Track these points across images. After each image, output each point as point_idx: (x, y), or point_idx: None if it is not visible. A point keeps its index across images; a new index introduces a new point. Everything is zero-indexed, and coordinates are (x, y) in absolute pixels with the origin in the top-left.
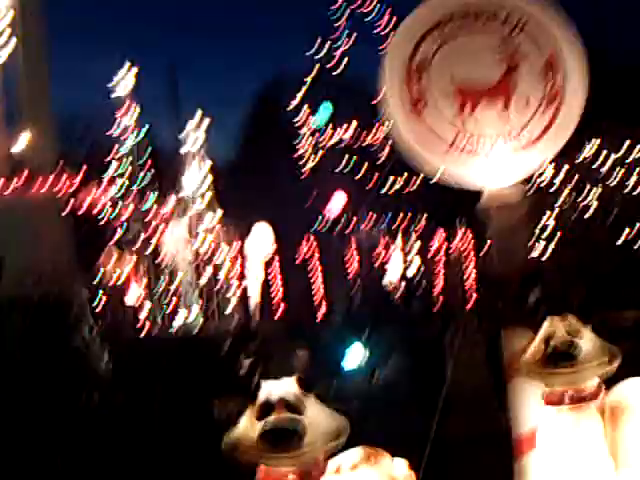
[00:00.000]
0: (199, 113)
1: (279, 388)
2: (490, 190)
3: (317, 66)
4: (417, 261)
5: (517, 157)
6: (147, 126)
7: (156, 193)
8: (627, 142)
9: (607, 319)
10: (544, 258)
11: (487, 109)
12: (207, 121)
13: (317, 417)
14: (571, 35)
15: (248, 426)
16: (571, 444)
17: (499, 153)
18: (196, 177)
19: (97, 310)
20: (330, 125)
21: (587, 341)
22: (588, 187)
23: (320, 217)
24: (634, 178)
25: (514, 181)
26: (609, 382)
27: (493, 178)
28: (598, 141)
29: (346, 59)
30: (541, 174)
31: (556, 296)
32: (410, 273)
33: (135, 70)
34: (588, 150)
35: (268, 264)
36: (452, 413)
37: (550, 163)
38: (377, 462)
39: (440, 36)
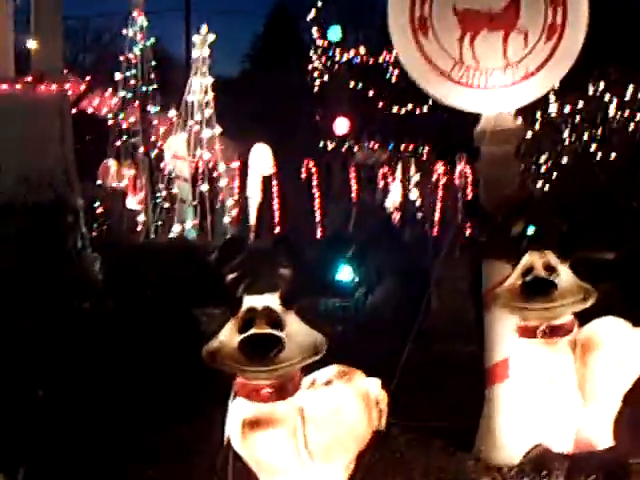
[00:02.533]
0: (204, 27)
1: (261, 302)
2: (487, 115)
3: None
4: (416, 192)
5: (513, 89)
6: (152, 39)
7: (158, 106)
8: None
9: (586, 258)
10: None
11: (486, 41)
12: (212, 36)
13: (296, 333)
14: None
15: (228, 338)
16: (542, 376)
17: (494, 84)
18: (198, 92)
19: (95, 216)
20: (340, 45)
21: (563, 278)
22: (589, 127)
23: (325, 138)
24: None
25: (510, 108)
26: (583, 319)
27: (488, 107)
28: (602, 84)
29: None
30: (545, 111)
31: (538, 232)
32: (408, 202)
33: None
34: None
35: (268, 183)
36: (432, 339)
37: (555, 101)
38: (351, 379)
39: None
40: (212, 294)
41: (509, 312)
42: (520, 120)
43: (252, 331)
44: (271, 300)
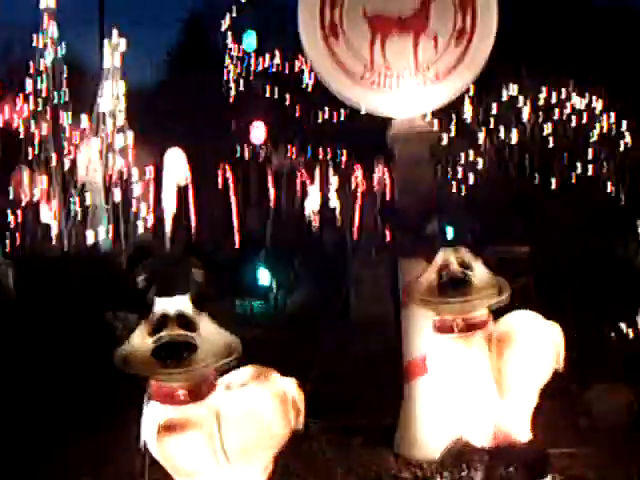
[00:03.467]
0: (115, 32)
1: (173, 305)
2: (398, 119)
3: None
4: (334, 196)
5: (423, 91)
6: (64, 44)
7: (70, 113)
8: (544, 88)
9: (499, 253)
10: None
11: (397, 43)
12: (124, 41)
13: (209, 335)
14: None
15: (140, 341)
16: (458, 370)
17: (405, 87)
18: (110, 98)
19: (7, 228)
20: (255, 53)
21: (478, 273)
22: (504, 129)
23: (241, 145)
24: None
25: (420, 112)
26: (497, 313)
27: (400, 110)
28: (516, 86)
29: None
30: (460, 113)
31: (452, 229)
32: (327, 206)
33: None
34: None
35: (183, 190)
36: (352, 336)
37: (470, 103)
38: (267, 380)
39: None
40: (123, 298)
41: (425, 308)
42: (432, 121)
43: (163, 333)
44: (182, 302)
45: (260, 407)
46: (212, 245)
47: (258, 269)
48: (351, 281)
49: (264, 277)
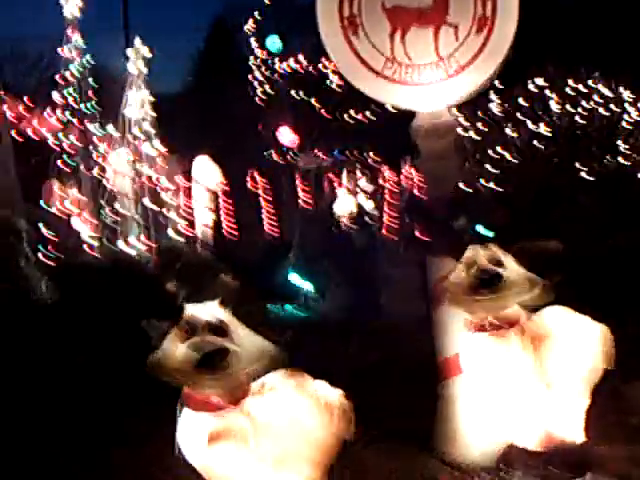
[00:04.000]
0: (138, 40)
1: (204, 311)
2: (421, 113)
3: None
4: (363, 197)
5: (446, 84)
6: (89, 56)
7: (98, 123)
8: (569, 81)
9: (530, 248)
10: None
11: (416, 37)
12: (146, 49)
13: (241, 340)
14: None
15: (172, 348)
16: (494, 368)
17: (427, 80)
18: (137, 106)
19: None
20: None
21: (508, 270)
22: (530, 123)
23: (270, 148)
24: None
25: (444, 105)
26: (530, 309)
27: (423, 103)
28: (541, 80)
29: None
30: (486, 108)
31: (481, 225)
32: (356, 207)
33: (80, 1)
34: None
35: (214, 197)
36: (385, 337)
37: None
38: (300, 385)
39: None
40: (155, 304)
41: (457, 307)
42: (456, 114)
43: (195, 340)
44: (214, 308)
45: (294, 413)
46: (243, 250)
47: (289, 272)
48: (381, 281)
49: (295, 280)
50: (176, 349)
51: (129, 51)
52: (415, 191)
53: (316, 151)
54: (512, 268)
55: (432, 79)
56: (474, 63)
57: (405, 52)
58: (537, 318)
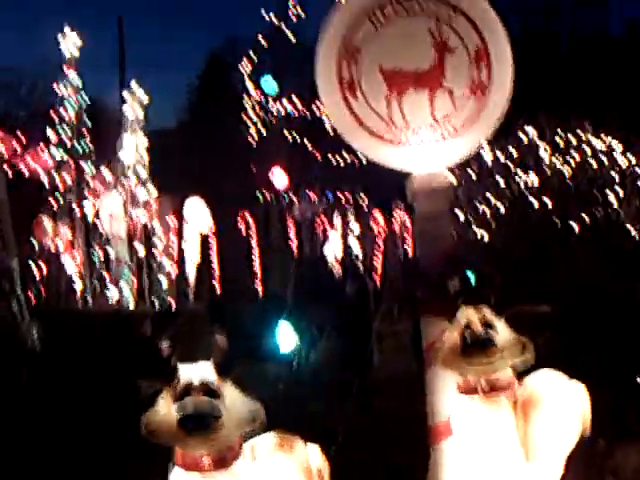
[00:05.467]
0: (134, 83)
1: (197, 372)
2: (417, 174)
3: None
4: (355, 242)
5: (441, 146)
6: (86, 97)
7: (92, 163)
8: (560, 132)
9: (522, 311)
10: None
11: (414, 99)
12: (142, 92)
13: (233, 402)
14: (500, 28)
15: (165, 409)
16: (483, 433)
17: (424, 143)
18: (132, 150)
19: (32, 278)
20: (275, 97)
21: (500, 333)
22: (523, 175)
23: (262, 191)
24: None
25: (440, 168)
26: (521, 373)
27: (419, 165)
28: (534, 131)
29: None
30: (478, 160)
31: (474, 287)
32: (348, 254)
33: (78, 40)
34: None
35: (206, 239)
36: (375, 396)
37: (489, 149)
38: (291, 449)
39: (373, 23)
40: (147, 363)
41: (449, 368)
42: (451, 176)
43: (187, 401)
44: (206, 369)
45: (284, 476)
46: (233, 295)
47: (280, 326)
48: (373, 337)
49: (286, 336)
50: (168, 409)
51: (126, 94)
52: (407, 239)
53: (311, 195)
54: (504, 331)
55: (428, 141)
56: (469, 126)
57: (402, 114)
58: (528, 382)
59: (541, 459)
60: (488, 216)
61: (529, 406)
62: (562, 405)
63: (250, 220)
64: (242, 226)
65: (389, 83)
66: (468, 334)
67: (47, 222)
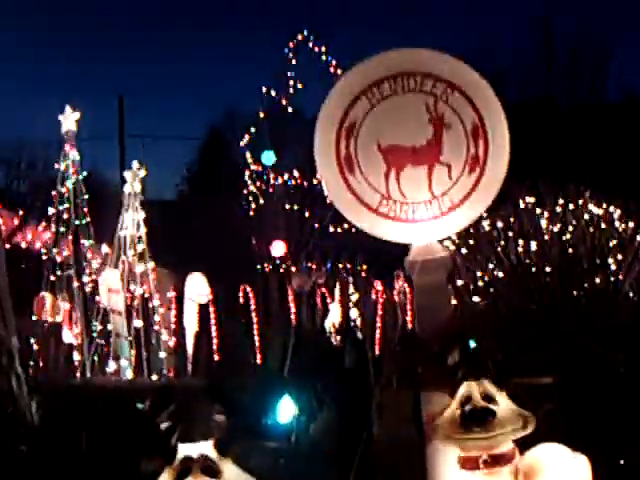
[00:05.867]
0: (135, 163)
1: (197, 451)
2: (415, 248)
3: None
4: (354, 312)
5: (439, 220)
6: (85, 173)
7: (91, 239)
8: (560, 200)
9: (523, 384)
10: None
11: (411, 175)
12: (143, 172)
13: None
14: (496, 104)
15: None
16: None
17: (421, 217)
18: (131, 225)
19: (31, 354)
20: (273, 168)
21: (502, 406)
22: (521, 243)
23: (262, 261)
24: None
25: (437, 239)
26: (523, 446)
27: (417, 238)
28: (532, 199)
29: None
30: (476, 228)
31: (474, 361)
32: (347, 323)
33: (77, 114)
34: (523, 206)
35: (205, 311)
36: (377, 468)
37: (486, 218)
38: None
39: (370, 99)
40: (147, 442)
41: (449, 442)
42: (449, 242)
43: None
44: (206, 448)
45: None
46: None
47: (279, 401)
48: (373, 408)
49: (286, 410)
50: None
51: (126, 173)
52: (407, 308)
53: (310, 266)
54: (506, 405)
55: (426, 216)
56: (467, 201)
57: (400, 190)
58: (529, 456)
59: None
60: (487, 284)
61: (531, 477)
62: (563, 475)
63: (249, 291)
64: (241, 298)
65: (387, 159)
66: (468, 408)
67: (48, 298)
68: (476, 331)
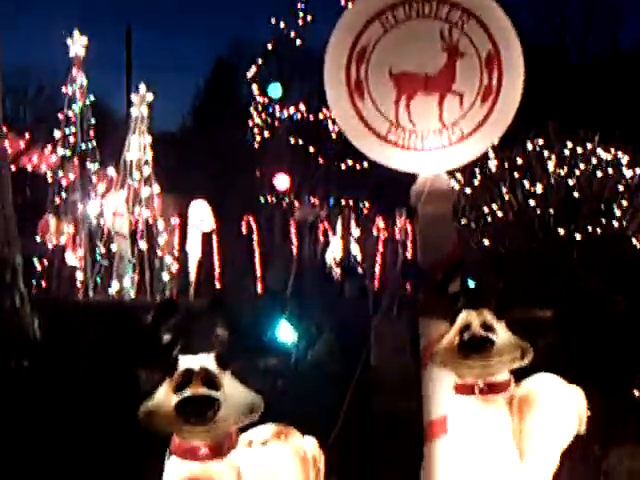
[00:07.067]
0: (143, 85)
1: (197, 363)
2: (422, 177)
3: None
4: (356, 246)
5: (449, 150)
6: (92, 97)
7: (97, 163)
8: (569, 144)
9: (522, 316)
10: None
11: (422, 103)
12: (150, 95)
13: (232, 393)
14: (512, 34)
15: (164, 398)
16: (479, 433)
17: (431, 146)
18: (137, 149)
19: (34, 273)
20: (280, 101)
21: (500, 336)
22: (528, 184)
23: (266, 193)
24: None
25: (446, 169)
26: (519, 376)
27: (425, 168)
28: (541, 141)
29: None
30: (483, 167)
31: (475, 290)
32: (348, 256)
33: (85, 39)
34: (531, 147)
35: (208, 239)
36: (372, 394)
37: (494, 157)
38: (287, 439)
39: (383, 24)
40: (148, 354)
41: (446, 369)
42: (455, 181)
43: (188, 392)
44: (207, 360)
45: (280, 466)
46: (234, 295)
47: (280, 323)
48: (372, 336)
49: (286, 332)
50: (168, 400)
51: (133, 96)
52: (408, 244)
53: (313, 201)
54: (504, 335)
55: (435, 146)
56: (477, 132)
57: (410, 118)
58: (525, 385)
59: (535, 458)
60: (491, 223)
61: (525, 405)
62: (557, 405)
63: (252, 222)
64: (244, 228)
65: (398, 86)
66: (467, 335)
67: (52, 220)
68: (479, 265)
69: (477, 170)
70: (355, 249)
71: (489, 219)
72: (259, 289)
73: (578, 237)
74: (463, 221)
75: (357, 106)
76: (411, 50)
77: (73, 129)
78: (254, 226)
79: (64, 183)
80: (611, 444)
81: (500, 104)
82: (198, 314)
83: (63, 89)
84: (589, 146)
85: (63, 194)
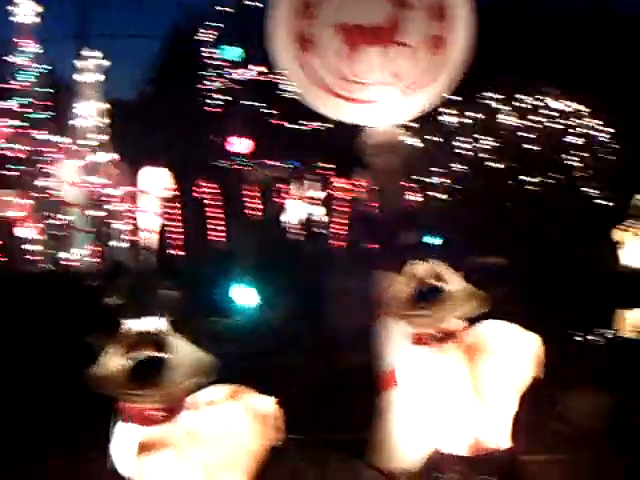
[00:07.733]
0: (86, 51)
1: (147, 326)
2: (372, 129)
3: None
4: (315, 208)
5: (399, 102)
6: (43, 66)
7: (49, 131)
8: (528, 97)
9: (474, 265)
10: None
11: (370, 55)
12: (96, 60)
13: (183, 355)
14: None
15: (113, 361)
16: (433, 381)
17: (381, 98)
18: (92, 116)
19: None
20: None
21: (453, 285)
22: (485, 139)
23: (223, 154)
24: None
25: (396, 122)
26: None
27: (377, 120)
28: (497, 95)
29: None
30: (438, 121)
31: (427, 241)
32: (305, 217)
33: (34, 5)
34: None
35: (164, 206)
36: (330, 351)
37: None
38: (239, 397)
39: None
40: (97, 318)
41: (398, 320)
42: (406, 126)
43: (137, 354)
44: (157, 323)
45: (234, 425)
46: (187, 259)
47: (234, 284)
48: (330, 293)
49: (240, 293)
50: (114, 362)
51: (77, 62)
52: (364, 204)
53: (269, 162)
54: (457, 284)
55: (385, 98)
56: (428, 82)
57: (357, 70)
58: (475, 329)
59: (490, 403)
60: (447, 181)
61: (475, 350)
62: (506, 350)
63: (210, 187)
64: (202, 193)
65: (344, 38)
66: (419, 286)
67: (5, 193)
68: (436, 222)
69: (430, 126)
70: (314, 210)
71: (444, 176)
72: (216, 253)
73: (532, 188)
74: (420, 176)
75: (304, 59)
76: (356, 2)
77: (24, 99)
78: (212, 191)
79: (14, 153)
80: (565, 387)
81: (449, 55)
82: (149, 278)
83: (11, 58)
84: (545, 99)
85: (13, 164)
